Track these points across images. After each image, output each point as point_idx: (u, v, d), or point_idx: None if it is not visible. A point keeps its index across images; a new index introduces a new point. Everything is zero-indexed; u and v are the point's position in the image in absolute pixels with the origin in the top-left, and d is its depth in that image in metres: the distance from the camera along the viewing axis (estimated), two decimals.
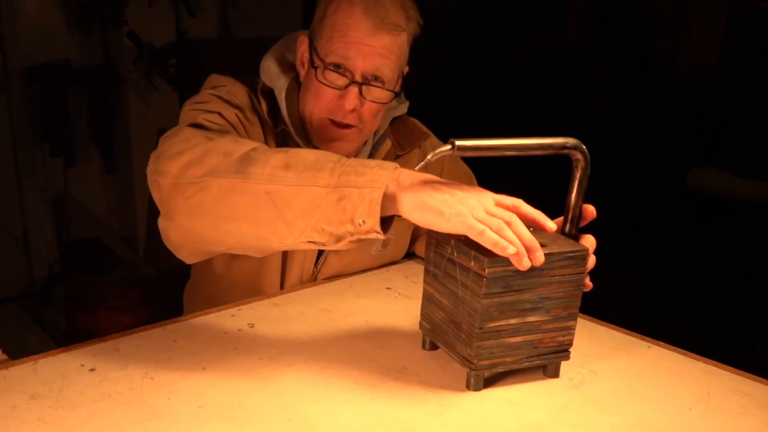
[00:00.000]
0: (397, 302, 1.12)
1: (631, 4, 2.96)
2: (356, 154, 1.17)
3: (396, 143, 1.22)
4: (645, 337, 1.03)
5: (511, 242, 0.75)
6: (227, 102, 1.06)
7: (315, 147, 1.13)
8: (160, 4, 2.98)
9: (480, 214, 0.76)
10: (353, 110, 1.04)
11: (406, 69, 1.13)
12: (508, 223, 0.77)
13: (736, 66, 2.55)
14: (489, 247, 0.76)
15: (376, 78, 1.04)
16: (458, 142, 0.83)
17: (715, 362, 0.96)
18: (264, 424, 0.76)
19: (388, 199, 0.78)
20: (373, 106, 1.06)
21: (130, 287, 2.40)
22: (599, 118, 2.99)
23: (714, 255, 2.47)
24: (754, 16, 2.50)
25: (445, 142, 0.80)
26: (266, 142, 1.10)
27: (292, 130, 1.10)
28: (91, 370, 0.86)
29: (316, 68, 1.03)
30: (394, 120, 1.21)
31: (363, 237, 0.80)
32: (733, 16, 2.55)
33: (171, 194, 0.86)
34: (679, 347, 1.00)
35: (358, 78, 1.03)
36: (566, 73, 3.12)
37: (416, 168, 0.87)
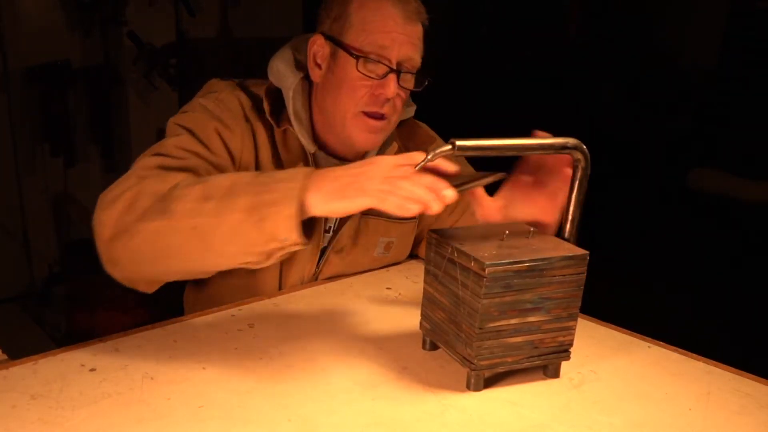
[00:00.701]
0: (397, 302, 1.12)
1: (631, 4, 2.95)
2: (364, 157, 1.17)
3: (402, 146, 1.22)
4: (645, 337, 1.03)
5: (412, 196, 0.79)
6: (211, 112, 1.06)
7: (321, 145, 1.14)
8: (160, 4, 2.98)
9: (378, 185, 0.80)
10: (390, 99, 1.06)
11: None
12: (405, 178, 0.80)
13: (736, 66, 2.55)
14: (394, 212, 0.80)
15: (409, 66, 1.07)
16: (458, 142, 0.83)
17: (715, 362, 0.96)
18: (264, 424, 0.76)
19: (302, 206, 0.82)
20: (404, 95, 1.09)
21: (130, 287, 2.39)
22: (599, 118, 2.99)
23: (714, 255, 2.47)
24: (754, 16, 2.50)
25: (445, 142, 0.81)
26: (256, 146, 1.09)
27: (297, 129, 1.10)
28: (91, 370, 0.86)
29: (357, 58, 1.04)
30: (402, 123, 1.22)
31: (290, 250, 0.85)
32: (733, 16, 2.55)
33: (110, 244, 0.89)
34: (679, 347, 1.00)
35: (394, 65, 1.05)
36: (566, 73, 3.12)
37: (416, 167, 0.88)
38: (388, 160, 0.83)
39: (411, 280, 1.22)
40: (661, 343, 1.01)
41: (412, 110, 1.24)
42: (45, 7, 2.80)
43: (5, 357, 0.95)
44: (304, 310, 1.07)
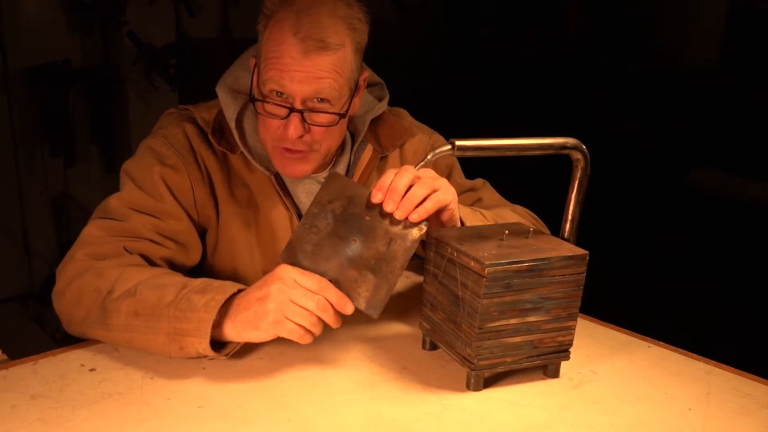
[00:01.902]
0: (397, 302, 1.12)
1: (631, 3, 2.96)
2: (334, 166, 1.13)
3: (378, 146, 1.16)
4: (645, 337, 1.03)
5: (328, 321, 0.86)
6: (155, 154, 1.04)
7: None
8: (160, 4, 2.97)
9: (290, 313, 0.84)
10: (300, 137, 1.00)
11: (366, 74, 1.07)
12: (313, 312, 0.84)
13: (736, 66, 2.55)
14: (299, 341, 0.86)
15: (321, 100, 0.98)
16: (458, 142, 0.83)
17: (715, 362, 0.96)
18: (264, 424, 0.76)
19: (217, 335, 0.86)
20: (321, 129, 1.01)
21: None
22: (599, 118, 2.99)
23: (714, 255, 2.47)
24: (754, 16, 2.50)
25: (446, 139, 0.80)
26: (209, 175, 1.06)
27: (249, 156, 1.06)
28: (91, 370, 0.86)
29: (254, 101, 1.00)
30: (376, 119, 1.16)
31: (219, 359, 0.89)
32: (733, 16, 2.55)
33: (70, 330, 0.97)
34: (679, 347, 1.00)
35: (298, 105, 0.97)
36: (566, 73, 3.12)
37: (416, 167, 0.88)
38: (289, 276, 0.85)
39: (411, 279, 1.22)
40: (661, 343, 1.01)
41: (383, 105, 1.16)
42: (45, 7, 2.80)
43: (5, 357, 0.95)
44: None
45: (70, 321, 0.95)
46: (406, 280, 1.22)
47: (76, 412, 0.76)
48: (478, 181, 1.26)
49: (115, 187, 1.06)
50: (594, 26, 3.15)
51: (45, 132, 2.87)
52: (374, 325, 1.03)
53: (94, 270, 0.94)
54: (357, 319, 1.04)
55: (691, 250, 2.55)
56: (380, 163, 1.18)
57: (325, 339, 0.97)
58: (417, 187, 0.88)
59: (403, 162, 1.20)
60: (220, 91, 1.09)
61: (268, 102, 0.98)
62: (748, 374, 0.93)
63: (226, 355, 0.88)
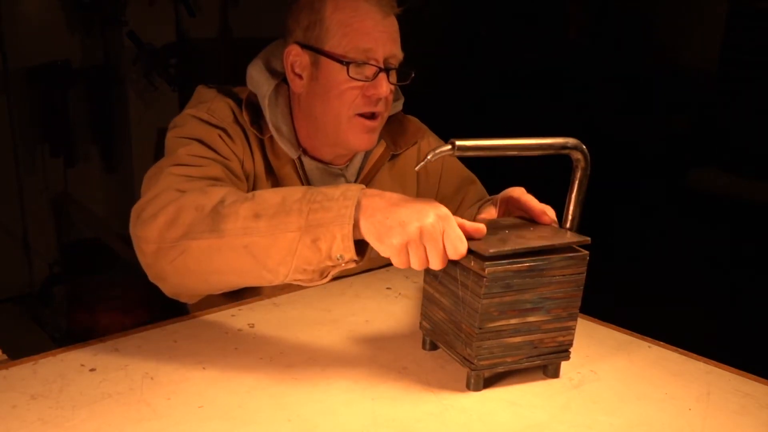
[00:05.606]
0: (397, 302, 1.12)
1: (631, 4, 2.96)
2: (351, 159, 1.17)
3: (391, 143, 1.22)
4: (645, 337, 1.03)
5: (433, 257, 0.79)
6: (207, 123, 1.05)
7: (305, 150, 1.13)
8: (160, 4, 2.98)
9: (416, 241, 0.78)
10: (383, 98, 1.07)
11: None
12: (435, 241, 0.78)
13: (736, 66, 2.55)
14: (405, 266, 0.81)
15: (394, 62, 1.07)
16: (458, 142, 0.83)
17: (715, 362, 0.96)
18: (264, 424, 0.76)
19: (355, 227, 0.80)
20: (393, 90, 1.09)
21: (130, 287, 2.40)
22: (599, 118, 2.99)
23: (714, 255, 2.47)
24: (754, 16, 2.50)
25: (445, 141, 0.81)
26: (251, 153, 1.09)
27: (276, 136, 1.10)
28: (91, 370, 0.86)
29: (347, 65, 1.03)
30: (390, 118, 1.21)
31: (344, 268, 0.83)
32: (733, 16, 2.55)
33: (156, 259, 0.89)
34: (679, 347, 1.00)
35: (382, 64, 1.05)
36: (566, 73, 3.12)
37: (416, 168, 0.88)
38: (439, 210, 0.79)
39: (411, 280, 1.22)
40: (661, 343, 1.01)
41: (400, 104, 1.23)
42: (45, 7, 2.81)
43: (5, 357, 0.95)
44: (304, 310, 1.07)
45: (158, 247, 0.87)
46: (405, 280, 1.22)
47: (76, 412, 0.76)
48: (473, 176, 1.32)
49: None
50: (594, 26, 3.15)
51: (45, 132, 2.87)
52: (374, 325, 1.03)
53: (199, 190, 0.89)
54: (357, 319, 1.04)
55: (691, 250, 2.55)
56: (390, 161, 1.22)
57: (325, 339, 0.97)
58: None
59: (420, 161, 1.22)
60: (254, 69, 1.12)
61: (359, 64, 1.04)
62: (748, 374, 0.93)
63: (361, 257, 0.82)
